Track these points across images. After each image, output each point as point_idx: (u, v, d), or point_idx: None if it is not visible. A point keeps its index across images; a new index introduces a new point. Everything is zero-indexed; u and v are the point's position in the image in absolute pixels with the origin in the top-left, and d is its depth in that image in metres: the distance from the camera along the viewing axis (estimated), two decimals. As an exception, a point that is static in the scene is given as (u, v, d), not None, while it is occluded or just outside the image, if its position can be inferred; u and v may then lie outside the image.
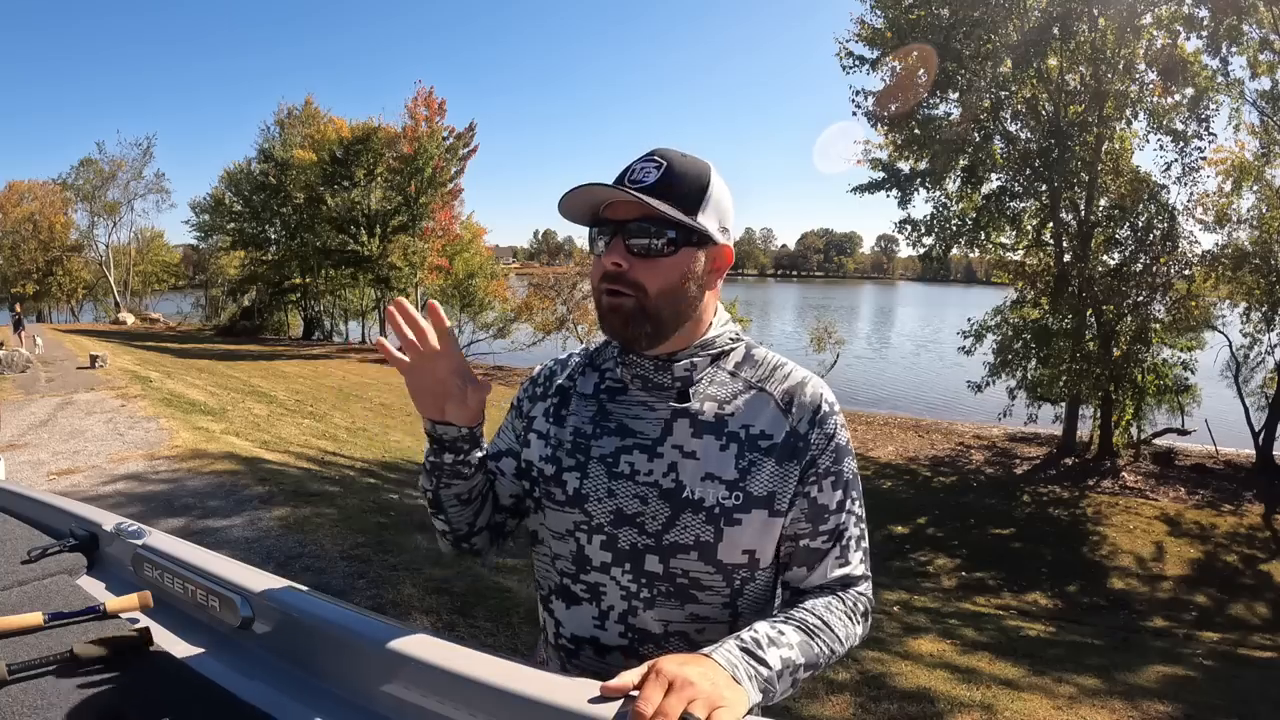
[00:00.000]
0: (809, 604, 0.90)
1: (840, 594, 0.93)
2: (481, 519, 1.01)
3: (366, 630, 0.86)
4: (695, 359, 0.94)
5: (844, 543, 0.93)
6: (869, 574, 0.97)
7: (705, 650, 0.74)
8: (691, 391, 0.93)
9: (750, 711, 0.69)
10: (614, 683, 0.69)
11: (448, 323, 0.88)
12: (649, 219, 0.88)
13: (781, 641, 0.80)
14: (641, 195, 0.85)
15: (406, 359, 0.88)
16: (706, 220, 0.90)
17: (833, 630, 0.87)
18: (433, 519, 1.01)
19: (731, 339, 0.97)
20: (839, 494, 0.93)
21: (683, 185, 0.88)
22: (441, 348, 0.88)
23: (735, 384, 0.94)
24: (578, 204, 0.91)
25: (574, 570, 0.95)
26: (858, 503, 0.95)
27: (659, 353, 0.94)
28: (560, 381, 1.04)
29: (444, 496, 0.97)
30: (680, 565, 0.90)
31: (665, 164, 0.89)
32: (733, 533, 0.89)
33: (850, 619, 0.91)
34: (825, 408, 0.93)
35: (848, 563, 0.94)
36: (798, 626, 0.84)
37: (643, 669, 0.69)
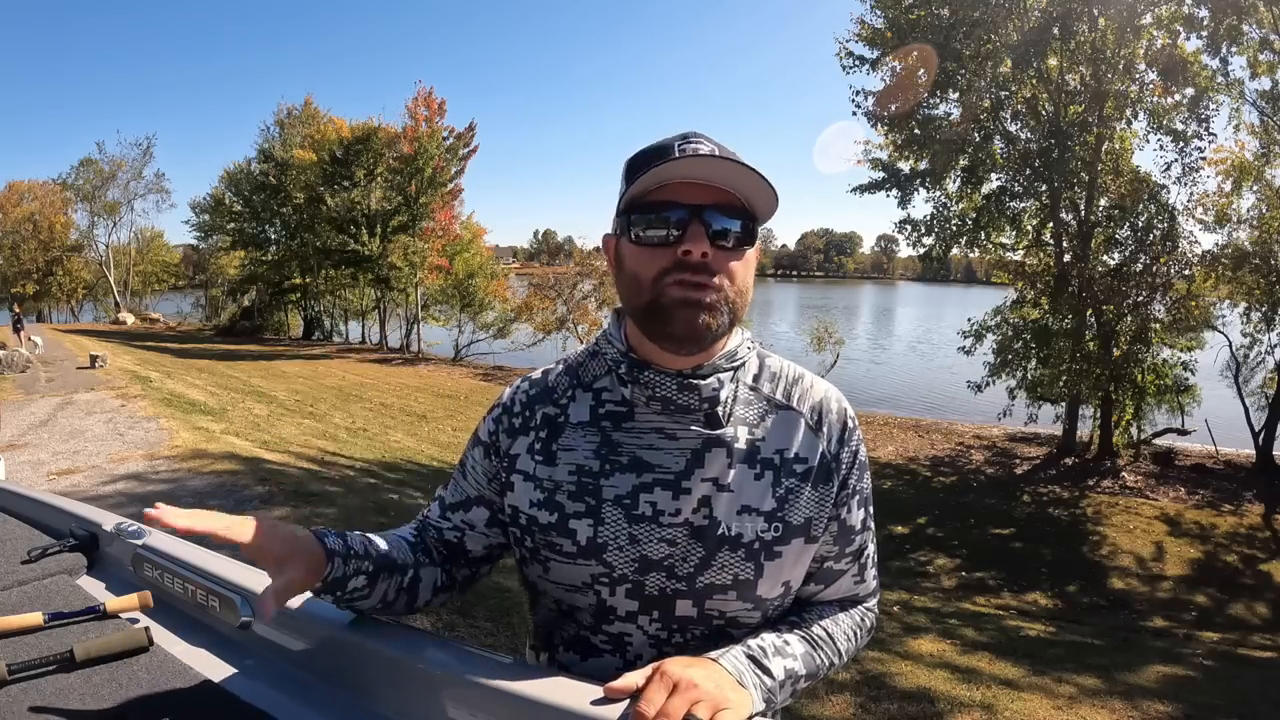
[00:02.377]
0: (816, 614, 0.89)
1: (849, 609, 0.93)
2: (423, 596, 0.90)
3: (366, 631, 0.86)
4: (721, 374, 0.83)
5: (862, 561, 0.92)
6: (879, 588, 0.97)
7: (711, 655, 0.73)
8: (721, 413, 0.83)
9: (753, 717, 0.69)
10: (618, 684, 0.68)
11: (199, 523, 0.72)
12: (729, 205, 0.78)
13: (787, 651, 0.80)
14: (738, 169, 0.76)
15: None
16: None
17: (836, 644, 0.87)
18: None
19: (749, 346, 0.89)
20: (862, 512, 0.90)
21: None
22: (227, 536, 0.72)
23: (760, 402, 0.86)
24: (655, 179, 0.78)
25: (593, 623, 0.85)
26: (872, 517, 0.93)
27: (683, 364, 0.82)
28: (545, 409, 0.88)
29: (363, 610, 0.86)
30: (717, 606, 0.82)
31: (715, 148, 0.80)
32: (773, 566, 0.82)
33: (855, 634, 0.91)
34: (850, 423, 0.89)
35: (863, 580, 0.94)
36: (803, 637, 0.84)
37: (647, 670, 0.69)
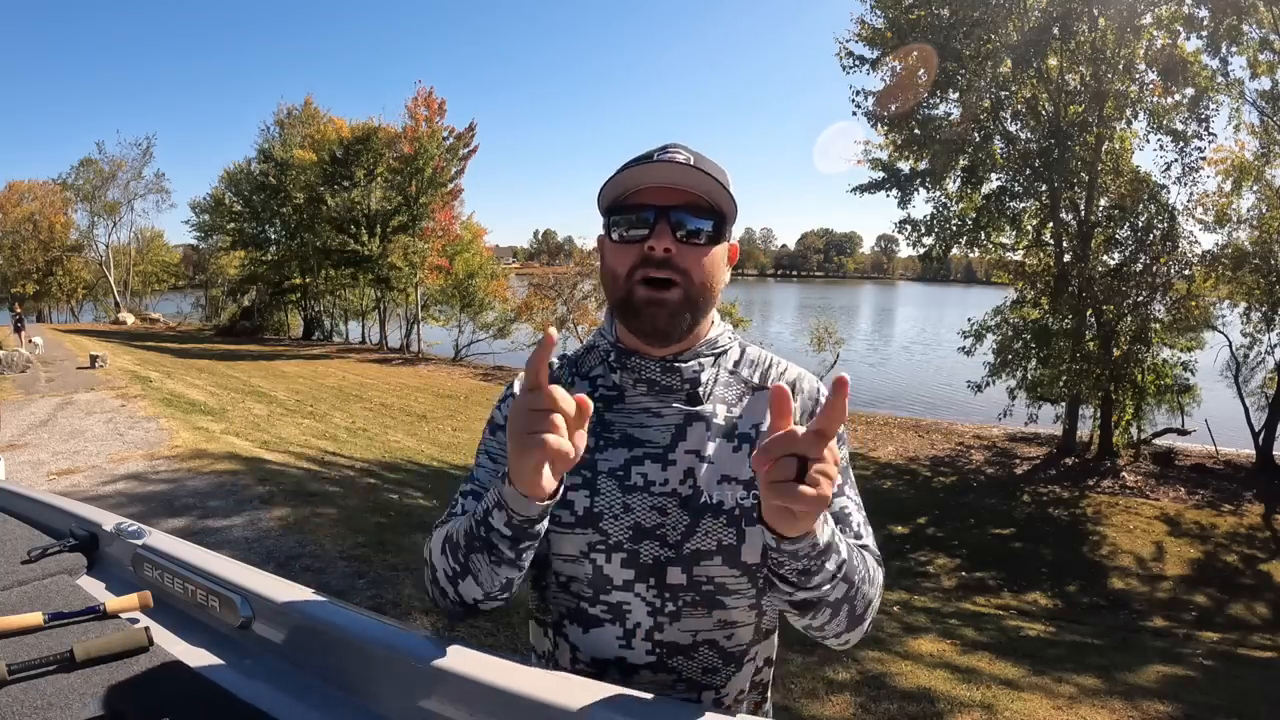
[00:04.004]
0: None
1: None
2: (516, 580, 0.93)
3: (366, 631, 0.86)
4: (702, 359, 0.92)
5: (848, 522, 0.92)
6: (878, 553, 0.95)
7: None
8: (701, 393, 0.91)
9: (809, 538, 0.72)
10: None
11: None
12: (696, 205, 0.86)
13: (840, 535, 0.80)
14: (701, 180, 0.84)
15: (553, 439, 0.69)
16: (729, 222, 0.90)
17: (867, 563, 0.85)
18: (481, 603, 0.86)
19: (730, 337, 0.97)
20: (839, 479, 0.90)
21: (716, 171, 0.88)
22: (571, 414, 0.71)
23: (738, 385, 0.94)
24: (622, 186, 0.88)
25: (591, 593, 0.90)
26: (854, 490, 0.95)
27: (665, 352, 0.91)
28: None
29: (505, 584, 0.83)
30: (704, 572, 0.87)
31: (691, 156, 0.88)
32: (753, 533, 0.87)
33: (878, 572, 0.89)
34: (821, 398, 0.95)
35: (860, 536, 0.92)
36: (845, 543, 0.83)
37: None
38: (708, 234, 0.87)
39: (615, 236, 0.89)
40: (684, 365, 0.90)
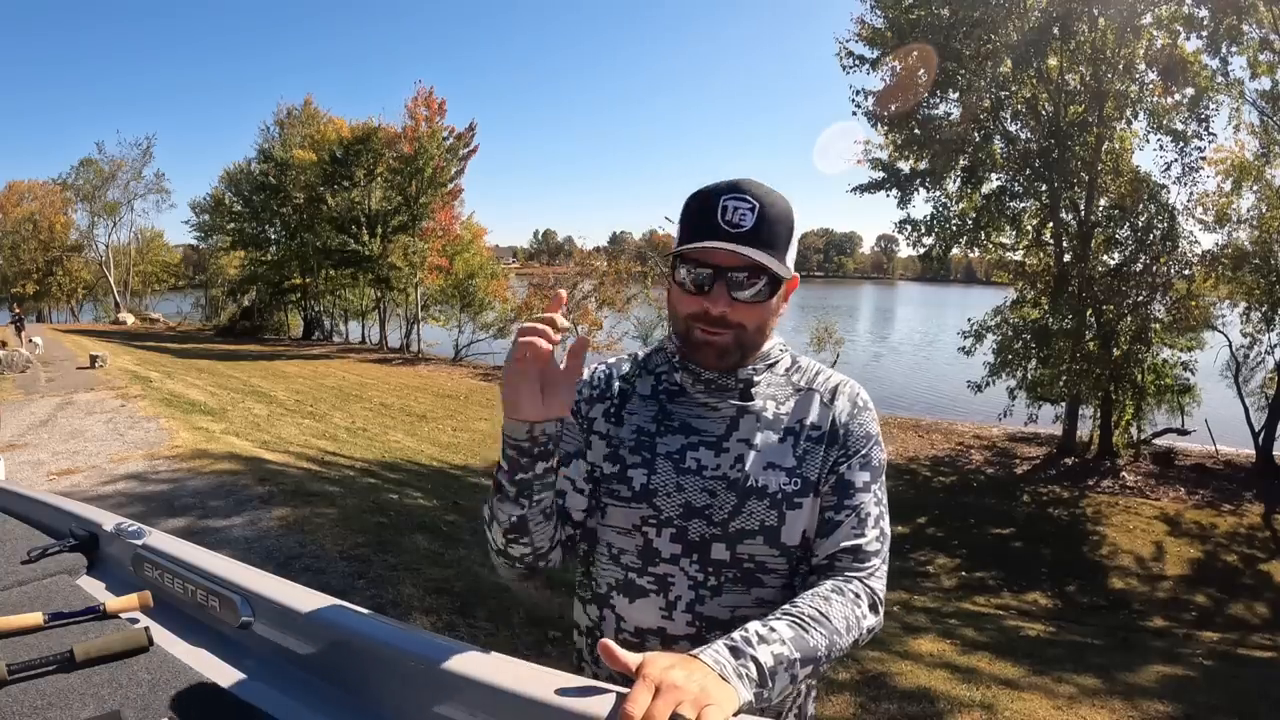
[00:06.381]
0: (807, 595, 0.89)
1: (843, 583, 0.92)
2: (561, 531, 0.99)
3: (366, 631, 0.86)
4: (755, 366, 1.02)
5: (861, 516, 0.96)
6: (884, 557, 0.97)
7: (694, 651, 0.74)
8: (753, 392, 1.01)
9: (742, 710, 0.69)
10: (620, 654, 0.70)
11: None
12: (753, 269, 0.93)
13: (772, 638, 0.79)
14: (756, 255, 0.90)
15: (547, 346, 0.80)
16: (790, 260, 0.97)
17: (831, 622, 0.85)
18: (509, 546, 0.95)
19: (780, 349, 1.06)
20: (865, 475, 0.99)
21: (777, 228, 0.93)
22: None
23: (788, 387, 1.04)
24: (693, 231, 0.94)
25: (640, 564, 0.99)
26: (880, 489, 1.01)
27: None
28: (618, 384, 1.08)
29: (531, 515, 0.91)
30: (746, 550, 0.96)
31: (759, 206, 0.92)
32: (793, 516, 0.96)
33: (854, 608, 0.89)
34: (861, 402, 1.03)
35: (862, 535, 0.95)
36: (791, 621, 0.83)
37: (637, 658, 0.70)
38: (759, 295, 0.94)
39: (677, 280, 0.97)
40: (739, 369, 1.00)
